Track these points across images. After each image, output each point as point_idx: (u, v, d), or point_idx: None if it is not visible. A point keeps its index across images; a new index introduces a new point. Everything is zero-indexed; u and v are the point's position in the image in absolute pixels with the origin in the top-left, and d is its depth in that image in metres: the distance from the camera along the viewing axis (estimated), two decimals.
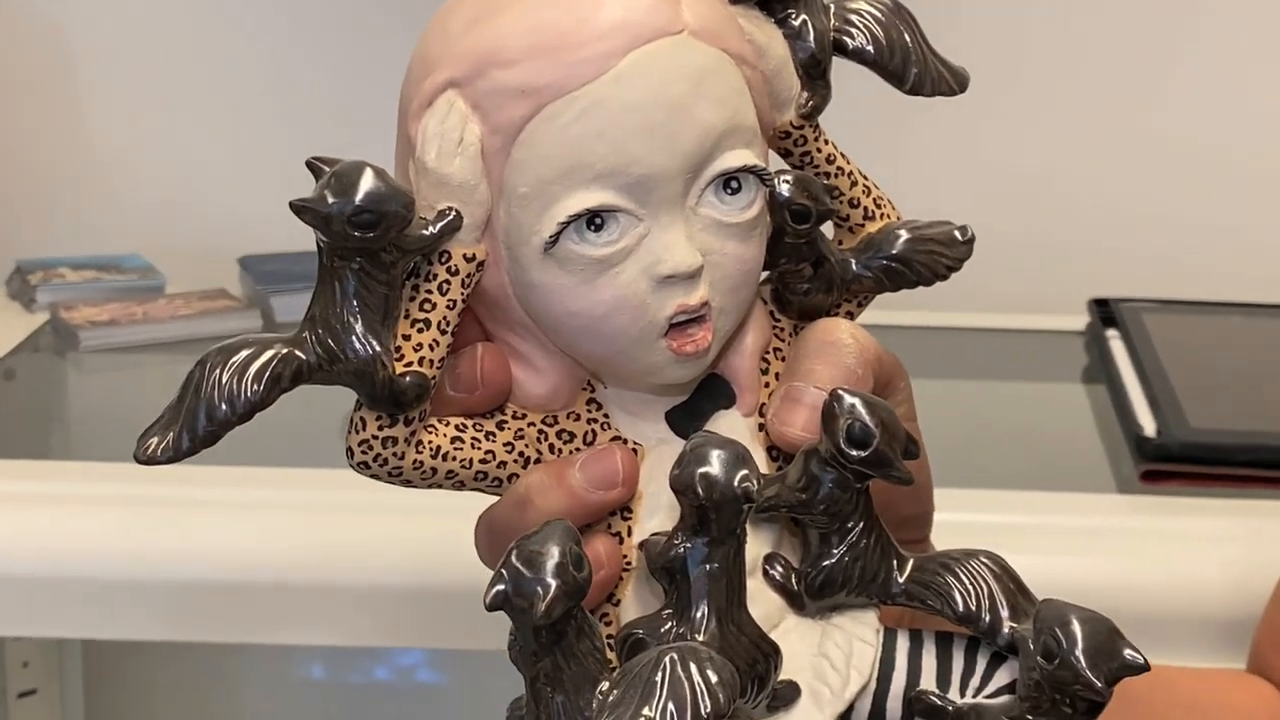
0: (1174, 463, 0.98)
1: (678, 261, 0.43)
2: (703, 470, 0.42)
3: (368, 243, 0.41)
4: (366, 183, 0.41)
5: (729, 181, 0.44)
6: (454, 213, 0.44)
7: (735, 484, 0.42)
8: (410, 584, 0.88)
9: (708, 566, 0.43)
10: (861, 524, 0.45)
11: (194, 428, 0.42)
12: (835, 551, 0.45)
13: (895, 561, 0.46)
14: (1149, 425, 1.02)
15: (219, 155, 1.52)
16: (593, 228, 0.43)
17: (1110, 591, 0.81)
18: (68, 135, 1.53)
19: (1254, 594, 0.72)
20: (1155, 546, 0.88)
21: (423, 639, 0.90)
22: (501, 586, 0.40)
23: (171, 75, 1.51)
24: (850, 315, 0.50)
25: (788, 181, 0.46)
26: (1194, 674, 0.67)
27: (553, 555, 0.40)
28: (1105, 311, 1.27)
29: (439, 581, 0.86)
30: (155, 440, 0.42)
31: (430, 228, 0.43)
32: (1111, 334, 1.24)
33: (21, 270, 1.44)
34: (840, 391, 0.44)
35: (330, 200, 0.41)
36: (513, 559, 0.40)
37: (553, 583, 0.40)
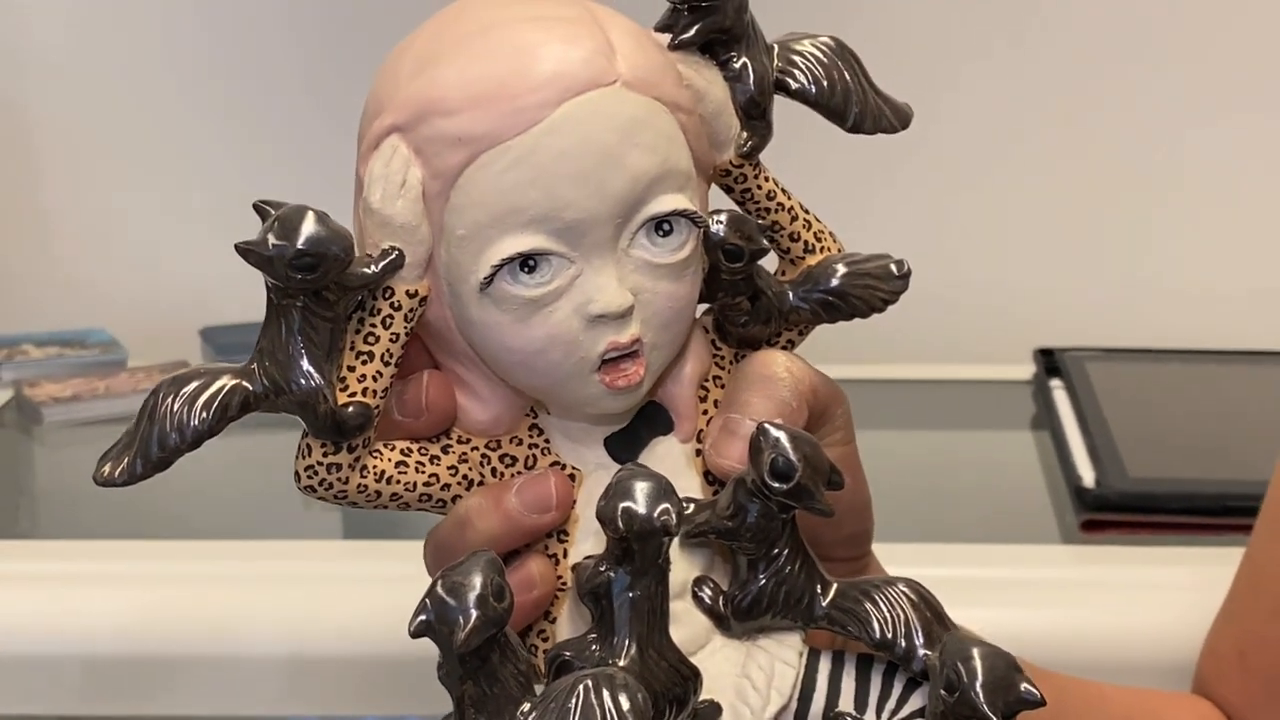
0: (1113, 512, 1.00)
1: (607, 302, 0.45)
2: (625, 505, 0.44)
3: (309, 283, 0.44)
4: (308, 227, 0.43)
5: (660, 225, 0.46)
6: (396, 252, 0.46)
7: (655, 518, 0.44)
8: (322, 652, 0.89)
9: (630, 595, 0.45)
10: (787, 550, 0.47)
11: (147, 454, 0.44)
12: (761, 576, 0.47)
13: (819, 586, 0.48)
14: (1088, 475, 1.04)
15: (178, 227, 1.53)
16: (526, 269, 0.45)
17: (1055, 642, 0.82)
18: (27, 212, 1.54)
19: (1194, 639, 0.74)
20: (1096, 596, 0.90)
21: (336, 706, 0.90)
22: (425, 615, 0.42)
23: (128, 147, 1.52)
24: (791, 344, 0.52)
25: (720, 222, 0.47)
26: (1133, 693, 0.69)
27: (474, 586, 0.42)
28: (1050, 361, 1.28)
29: (359, 650, 0.87)
30: (110, 465, 0.45)
31: (374, 266, 0.46)
32: (1055, 384, 1.25)
33: None
34: (766, 425, 0.46)
35: (273, 244, 0.43)
36: (437, 588, 0.43)
37: (474, 613, 0.42)
